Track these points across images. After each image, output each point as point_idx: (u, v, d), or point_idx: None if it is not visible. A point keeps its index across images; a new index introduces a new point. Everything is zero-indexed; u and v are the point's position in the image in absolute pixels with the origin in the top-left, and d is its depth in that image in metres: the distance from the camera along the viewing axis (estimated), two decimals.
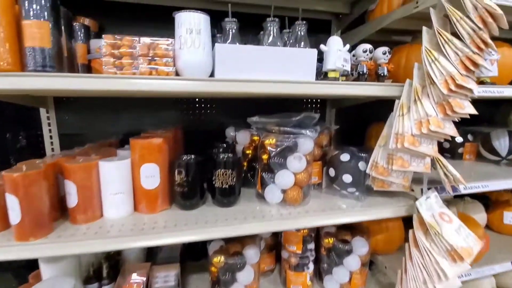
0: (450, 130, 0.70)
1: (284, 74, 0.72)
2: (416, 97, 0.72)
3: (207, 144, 1.16)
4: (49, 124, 1.12)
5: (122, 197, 0.75)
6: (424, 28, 0.72)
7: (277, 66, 0.71)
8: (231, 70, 0.68)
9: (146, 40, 0.64)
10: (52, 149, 1.14)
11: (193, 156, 0.83)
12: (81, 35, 0.77)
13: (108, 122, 1.18)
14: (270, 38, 0.73)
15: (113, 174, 0.73)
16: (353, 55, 0.94)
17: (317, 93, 0.72)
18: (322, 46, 0.77)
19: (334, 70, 0.77)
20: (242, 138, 1.00)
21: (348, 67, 0.78)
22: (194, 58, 0.65)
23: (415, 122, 0.72)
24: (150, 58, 0.64)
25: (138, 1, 1.05)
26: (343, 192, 0.93)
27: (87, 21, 1.02)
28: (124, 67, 0.63)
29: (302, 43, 0.77)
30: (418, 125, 0.71)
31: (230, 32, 0.74)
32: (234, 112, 1.20)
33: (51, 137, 1.13)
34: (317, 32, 1.34)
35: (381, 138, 0.83)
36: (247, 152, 0.99)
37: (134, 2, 1.07)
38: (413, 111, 0.72)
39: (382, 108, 0.87)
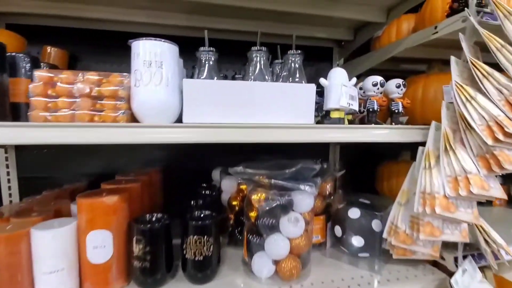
0: (497, 191, 0.52)
1: (272, 117, 0.56)
2: (447, 145, 0.55)
3: (191, 189, 0.99)
4: (7, 166, 0.96)
5: (61, 275, 0.57)
6: (453, 59, 0.56)
7: (264, 106, 0.55)
8: (203, 112, 0.52)
9: (92, 75, 0.49)
10: (10, 195, 0.97)
11: (158, 216, 0.65)
12: (25, 67, 0.63)
13: (78, 162, 1.02)
14: (256, 71, 0.58)
15: (50, 247, 0.55)
16: (360, 88, 0.79)
17: (316, 140, 0.56)
18: (322, 80, 0.61)
19: (337, 110, 0.61)
20: (227, 186, 0.83)
21: (355, 106, 0.62)
22: (152, 99, 0.49)
23: (449, 179, 0.54)
24: (95, 98, 0.48)
25: (121, 28, 0.94)
26: (353, 258, 0.73)
27: (53, 51, 0.90)
28: (60, 110, 0.47)
29: (297, 76, 0.62)
30: (454, 184, 0.53)
31: (207, 64, 0.59)
32: (222, 151, 1.04)
33: (9, 180, 0.97)
34: (318, 61, 1.22)
35: (401, 193, 0.65)
36: (234, 203, 0.81)
37: (113, 29, 0.95)
38: (444, 163, 0.55)
39: (394, 143, 0.70)
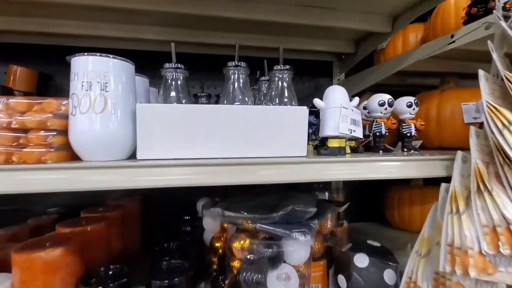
0: None
1: (254, 149, 0.44)
2: (481, 184, 0.42)
3: (174, 222, 0.87)
4: None
5: None
6: (482, 73, 0.44)
7: (243, 136, 0.44)
8: (163, 146, 0.41)
9: (17, 100, 0.38)
10: None
11: (116, 271, 0.53)
12: None
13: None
14: (234, 91, 0.47)
15: None
16: (364, 108, 0.67)
17: (311, 179, 0.43)
18: (317, 101, 0.50)
19: (336, 137, 0.49)
20: (209, 224, 0.70)
21: (358, 132, 0.50)
22: (91, 130, 0.38)
23: (485, 230, 0.41)
24: (16, 130, 0.37)
25: (98, 44, 0.84)
26: None
27: (20, 71, 0.81)
28: None
29: (286, 97, 0.50)
30: (492, 236, 0.40)
31: (173, 84, 0.48)
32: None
33: None
34: (316, 76, 1.11)
35: (420, 242, 0.52)
36: (217, 244, 0.68)
37: (89, 46, 0.86)
38: (477, 208, 0.42)
39: None
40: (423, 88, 0.89)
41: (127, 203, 0.84)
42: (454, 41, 0.61)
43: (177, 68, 0.48)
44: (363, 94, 1.07)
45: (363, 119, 0.70)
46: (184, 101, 0.48)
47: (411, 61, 0.72)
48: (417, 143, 0.69)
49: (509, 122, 0.40)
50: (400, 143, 0.67)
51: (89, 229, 0.63)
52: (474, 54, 0.65)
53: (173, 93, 0.48)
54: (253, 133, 0.44)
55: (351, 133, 0.48)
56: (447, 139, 0.73)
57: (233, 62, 0.47)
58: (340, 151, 0.50)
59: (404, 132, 0.63)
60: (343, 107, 0.47)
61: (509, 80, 0.41)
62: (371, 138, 0.61)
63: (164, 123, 0.41)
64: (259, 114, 0.44)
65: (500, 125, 0.41)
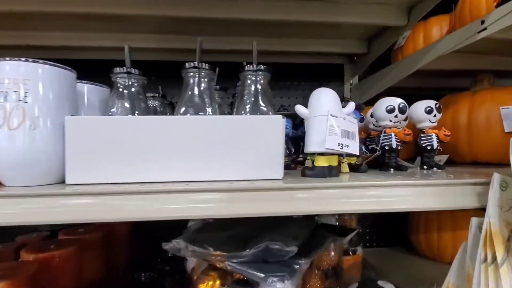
0: None
1: (215, 170, 0.35)
2: None
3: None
4: None
5: None
6: None
7: (200, 154, 0.35)
8: (98, 167, 0.33)
9: None
10: None
11: None
12: None
13: None
14: (192, 99, 0.38)
15: None
16: (372, 116, 0.55)
17: (289, 213, 0.33)
18: (299, 108, 0.39)
19: (323, 154, 0.38)
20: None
21: (353, 147, 0.38)
22: (4, 149, 0.31)
23: None
24: None
25: (87, 56, 0.81)
26: None
27: None
28: None
29: (261, 104, 0.41)
30: None
31: (125, 93, 0.40)
32: None
33: None
34: (326, 81, 1.00)
35: None
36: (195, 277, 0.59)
37: (76, 58, 0.84)
38: None
39: None
40: (452, 91, 0.74)
41: (113, 222, 0.77)
42: (485, 28, 0.48)
43: (130, 73, 0.40)
44: (379, 99, 0.93)
45: (372, 129, 0.59)
46: (137, 112, 0.40)
47: (433, 56, 0.59)
48: (442, 159, 0.55)
49: None
50: (419, 159, 0.54)
51: (56, 255, 0.56)
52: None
53: (126, 104, 0.40)
54: (209, 150, 0.35)
55: (342, 148, 0.37)
56: (482, 152, 0.58)
57: (191, 63, 0.38)
58: (330, 172, 0.39)
59: (423, 145, 0.51)
60: (331, 115, 0.37)
61: None
62: (378, 153, 0.49)
63: (98, 139, 0.33)
64: (218, 125, 0.35)
65: None
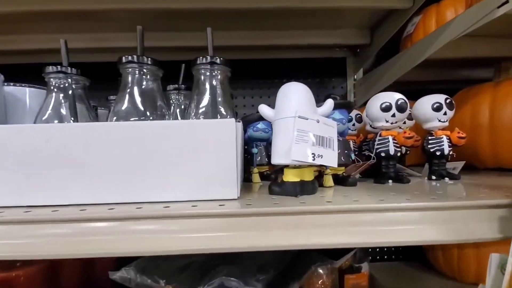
0: None
1: (140, 188, 0.27)
2: None
3: None
4: None
5: None
6: None
7: (128, 170, 0.27)
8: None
9: None
10: None
11: None
12: None
13: None
14: (131, 100, 0.31)
15: None
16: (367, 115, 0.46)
17: (246, 248, 0.25)
18: (262, 108, 0.31)
19: (292, 167, 0.30)
20: None
21: (328, 157, 0.29)
22: None
23: None
24: None
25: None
26: None
27: None
28: None
29: (220, 103, 0.33)
30: None
31: (60, 96, 0.34)
32: None
33: None
34: (327, 76, 0.91)
35: None
36: None
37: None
38: None
39: None
40: (472, 83, 0.63)
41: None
42: (507, 1, 0.37)
43: (65, 73, 0.34)
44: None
45: (368, 131, 0.49)
46: (72, 119, 0.34)
47: (443, 42, 0.49)
48: (457, 166, 0.45)
49: None
50: (426, 166, 0.44)
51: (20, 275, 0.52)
52: None
53: (62, 110, 0.34)
54: (142, 165, 0.28)
55: (314, 159, 0.28)
56: (508, 156, 0.47)
57: (129, 57, 0.31)
58: (304, 188, 0.30)
59: (431, 151, 0.41)
60: (299, 117, 0.28)
61: None
62: (373, 161, 0.40)
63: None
64: (152, 133, 0.27)
65: None
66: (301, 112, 0.29)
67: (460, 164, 0.44)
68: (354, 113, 0.58)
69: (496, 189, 0.32)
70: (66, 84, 0.35)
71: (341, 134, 0.39)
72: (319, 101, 0.32)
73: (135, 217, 0.25)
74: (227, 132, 0.28)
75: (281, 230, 0.26)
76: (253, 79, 0.87)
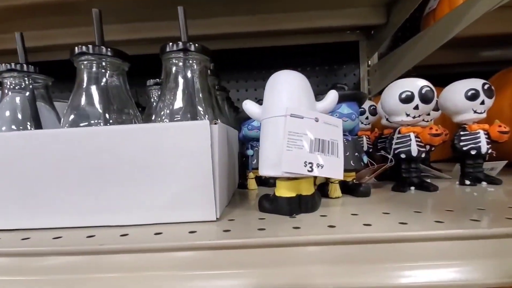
0: None
1: (103, 212, 0.22)
2: None
3: None
4: None
5: None
6: None
7: (77, 189, 0.22)
8: None
9: None
10: None
11: None
12: None
13: None
14: (87, 100, 0.25)
15: None
16: (383, 108, 0.38)
17: None
18: (247, 106, 0.25)
19: (283, 179, 0.23)
20: None
21: (333, 166, 0.23)
22: None
23: None
24: None
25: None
26: None
27: None
28: None
29: (196, 100, 0.27)
30: None
31: (14, 99, 0.29)
32: None
33: None
34: (338, 62, 0.82)
35: None
36: None
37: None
38: None
39: None
40: (510, 64, 0.53)
41: None
42: None
43: (16, 70, 0.29)
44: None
45: (385, 126, 0.42)
46: (29, 125, 0.29)
47: (476, 15, 0.40)
48: (497, 166, 0.37)
49: None
50: (458, 167, 0.36)
51: None
52: None
53: (18, 113, 0.29)
54: (98, 179, 0.22)
55: (311, 170, 0.22)
56: None
57: (83, 47, 0.25)
58: (301, 205, 0.24)
59: (465, 149, 0.33)
60: (291, 116, 0.22)
61: None
62: (391, 164, 0.32)
63: None
64: (107, 141, 0.22)
65: None
66: (293, 109, 0.22)
67: (500, 164, 0.36)
68: (367, 104, 0.51)
69: None
70: (23, 85, 0.30)
71: (350, 132, 0.32)
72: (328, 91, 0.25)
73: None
74: (200, 137, 0.22)
75: (265, 269, 0.19)
76: (252, 70, 0.80)
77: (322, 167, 0.22)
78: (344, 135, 0.31)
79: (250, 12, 0.67)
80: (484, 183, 0.33)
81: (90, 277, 0.19)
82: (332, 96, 0.24)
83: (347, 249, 0.19)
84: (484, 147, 0.32)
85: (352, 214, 0.23)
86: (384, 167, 0.32)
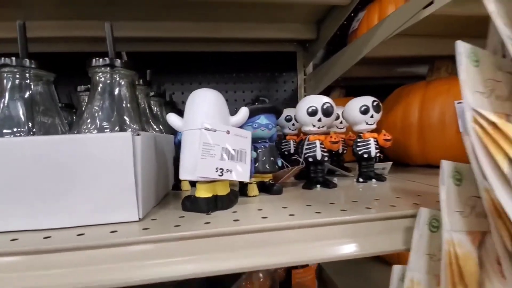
0: None
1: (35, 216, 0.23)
2: (460, 283, 0.19)
3: None
4: None
5: None
6: (462, 48, 0.21)
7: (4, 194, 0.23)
8: None
9: None
10: None
11: None
12: None
13: None
14: (10, 109, 0.26)
15: None
16: (288, 120, 0.45)
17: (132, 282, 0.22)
18: (171, 118, 0.28)
19: (201, 183, 0.27)
20: None
21: (240, 170, 0.27)
22: None
23: None
24: None
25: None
26: None
27: None
28: None
29: (123, 113, 0.29)
30: None
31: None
32: None
33: None
34: (278, 71, 0.89)
35: None
36: None
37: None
38: None
39: None
40: (413, 80, 0.64)
41: None
42: (432, 2, 0.37)
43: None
44: (332, 91, 0.84)
45: (287, 133, 0.48)
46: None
47: (378, 40, 0.49)
48: (386, 166, 0.46)
49: None
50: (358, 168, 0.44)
51: None
52: (472, 24, 0.42)
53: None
54: (23, 185, 0.23)
55: (221, 175, 0.26)
56: (435, 154, 0.49)
57: (4, 59, 0.26)
58: (217, 204, 0.28)
59: (360, 153, 0.41)
60: (205, 129, 0.26)
61: None
62: (302, 166, 0.39)
63: None
64: (33, 150, 0.23)
65: (503, 163, 0.18)
66: (208, 123, 0.26)
67: (388, 165, 0.45)
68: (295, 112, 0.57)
69: (411, 195, 0.32)
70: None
71: (269, 139, 0.37)
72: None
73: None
74: (122, 148, 0.25)
75: (181, 257, 0.23)
76: (198, 73, 0.83)
77: (230, 171, 0.27)
78: (263, 142, 0.36)
79: (200, 18, 0.69)
80: (374, 180, 0.41)
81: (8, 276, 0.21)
82: (243, 112, 0.29)
83: (248, 237, 0.24)
84: (374, 151, 0.40)
85: (257, 209, 0.28)
86: (296, 169, 0.38)
